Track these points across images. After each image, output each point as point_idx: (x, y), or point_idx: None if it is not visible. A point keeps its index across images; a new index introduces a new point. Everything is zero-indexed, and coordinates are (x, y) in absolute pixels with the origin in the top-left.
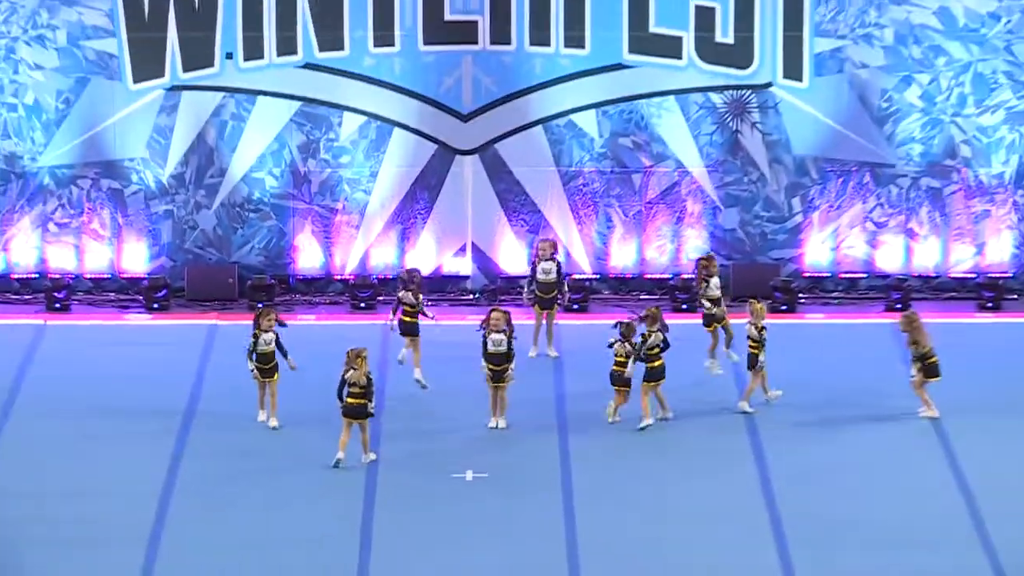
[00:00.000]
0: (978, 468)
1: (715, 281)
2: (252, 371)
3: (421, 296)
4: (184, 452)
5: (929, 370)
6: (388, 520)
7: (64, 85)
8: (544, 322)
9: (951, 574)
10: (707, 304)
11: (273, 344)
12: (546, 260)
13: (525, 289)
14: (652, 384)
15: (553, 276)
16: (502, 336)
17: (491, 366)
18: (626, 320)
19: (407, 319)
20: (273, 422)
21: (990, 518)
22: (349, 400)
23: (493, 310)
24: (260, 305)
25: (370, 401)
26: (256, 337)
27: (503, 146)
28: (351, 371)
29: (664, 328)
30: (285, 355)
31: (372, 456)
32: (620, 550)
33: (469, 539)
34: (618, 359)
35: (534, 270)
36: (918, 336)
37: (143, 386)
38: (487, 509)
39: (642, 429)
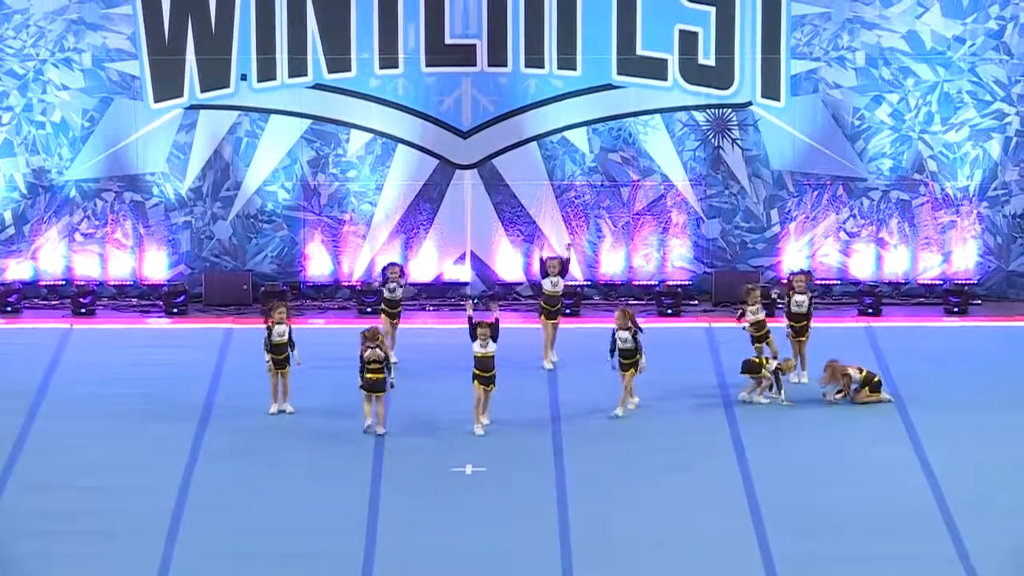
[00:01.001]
0: (945, 461)
1: (800, 299)
2: (267, 362)
3: (390, 353)
4: (202, 447)
5: (875, 387)
6: (393, 508)
7: (89, 104)
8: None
9: (921, 559)
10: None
11: (286, 336)
12: (554, 275)
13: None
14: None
15: (560, 288)
16: (488, 341)
17: (479, 371)
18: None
19: (371, 376)
20: (288, 407)
21: (956, 507)
22: (368, 376)
23: (478, 324)
24: (271, 300)
25: (389, 373)
26: (270, 330)
27: (500, 161)
28: (368, 350)
29: (636, 328)
30: (292, 347)
31: (383, 430)
32: (609, 537)
33: (468, 527)
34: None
35: (544, 275)
36: (842, 379)
37: (163, 386)
38: (484, 499)
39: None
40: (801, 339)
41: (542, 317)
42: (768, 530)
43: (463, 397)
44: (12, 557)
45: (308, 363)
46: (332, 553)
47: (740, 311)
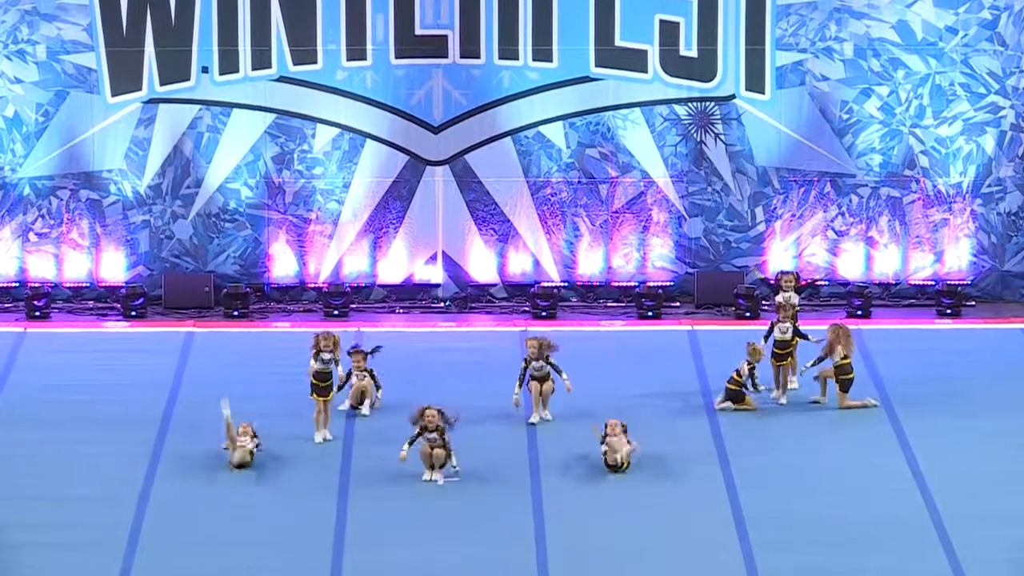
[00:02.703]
0: (937, 469)
1: (784, 327)
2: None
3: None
4: (161, 457)
5: (843, 385)
6: (362, 523)
7: (44, 98)
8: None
9: (912, 572)
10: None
11: (332, 364)
12: (535, 360)
13: (517, 388)
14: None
15: (546, 370)
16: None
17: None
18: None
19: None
20: (327, 435)
21: (949, 517)
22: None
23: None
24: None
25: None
26: (316, 356)
27: (473, 157)
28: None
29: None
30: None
31: (366, 412)
32: (587, 549)
33: (440, 538)
34: None
35: (526, 369)
36: (843, 347)
37: (121, 392)
38: (458, 509)
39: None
40: (783, 364)
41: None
42: (753, 542)
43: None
44: None
45: (271, 368)
46: (298, 567)
47: (769, 330)
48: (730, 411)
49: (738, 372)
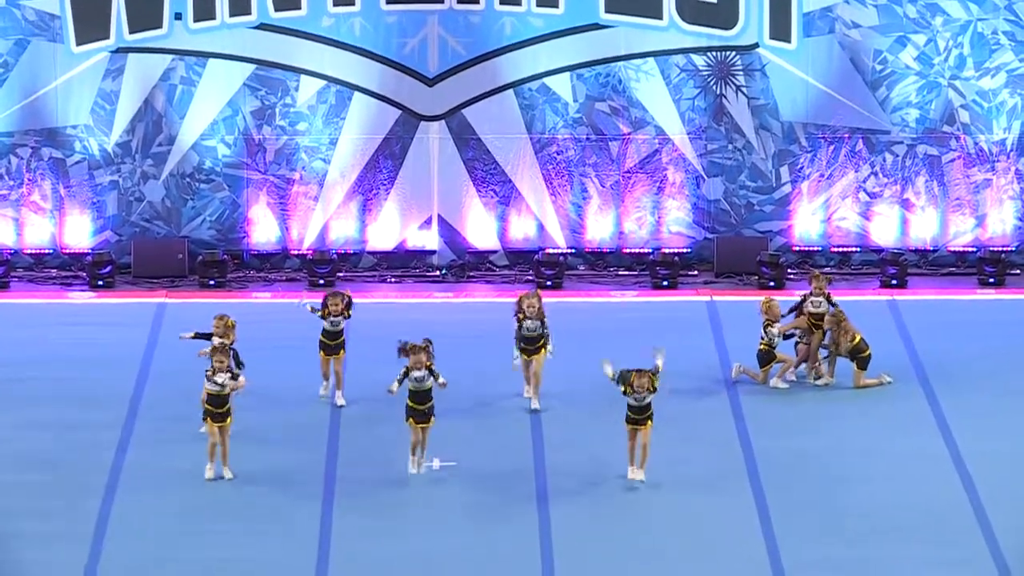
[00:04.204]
0: (978, 451)
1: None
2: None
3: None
4: (131, 440)
5: (861, 363)
6: (347, 506)
7: (2, 48)
8: (532, 371)
9: (950, 563)
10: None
11: (342, 324)
12: (531, 319)
13: (516, 352)
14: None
15: (539, 331)
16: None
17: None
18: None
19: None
20: (340, 400)
21: (990, 502)
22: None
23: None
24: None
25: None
26: (324, 317)
27: (471, 112)
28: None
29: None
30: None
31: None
32: (596, 536)
33: (440, 526)
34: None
35: (520, 326)
36: (843, 335)
37: (87, 368)
38: (457, 496)
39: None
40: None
41: (523, 356)
42: (777, 532)
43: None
44: None
45: (252, 342)
46: (280, 557)
47: (800, 302)
48: (750, 376)
49: (765, 336)
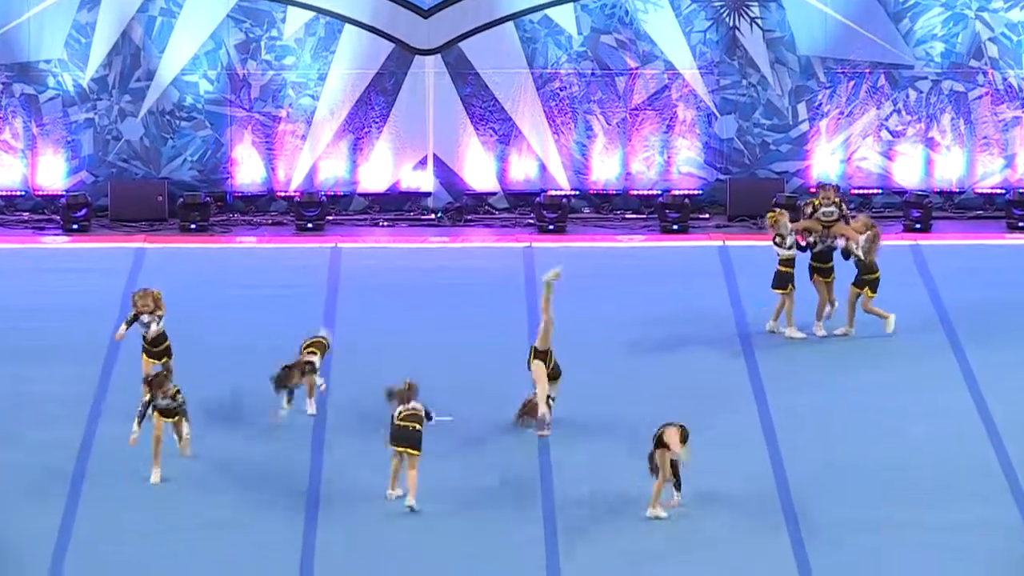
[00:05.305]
0: (1008, 408)
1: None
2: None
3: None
4: (107, 393)
5: (872, 285)
6: (337, 470)
7: None
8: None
9: (977, 526)
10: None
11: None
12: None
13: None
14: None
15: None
16: None
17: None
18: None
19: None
20: (310, 408)
21: (1018, 460)
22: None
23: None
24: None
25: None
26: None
27: (469, 45)
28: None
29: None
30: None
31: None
32: (605, 494)
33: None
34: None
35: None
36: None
37: (61, 318)
38: (459, 446)
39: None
40: (827, 281)
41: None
42: (794, 493)
43: (418, 331)
44: None
45: (237, 290)
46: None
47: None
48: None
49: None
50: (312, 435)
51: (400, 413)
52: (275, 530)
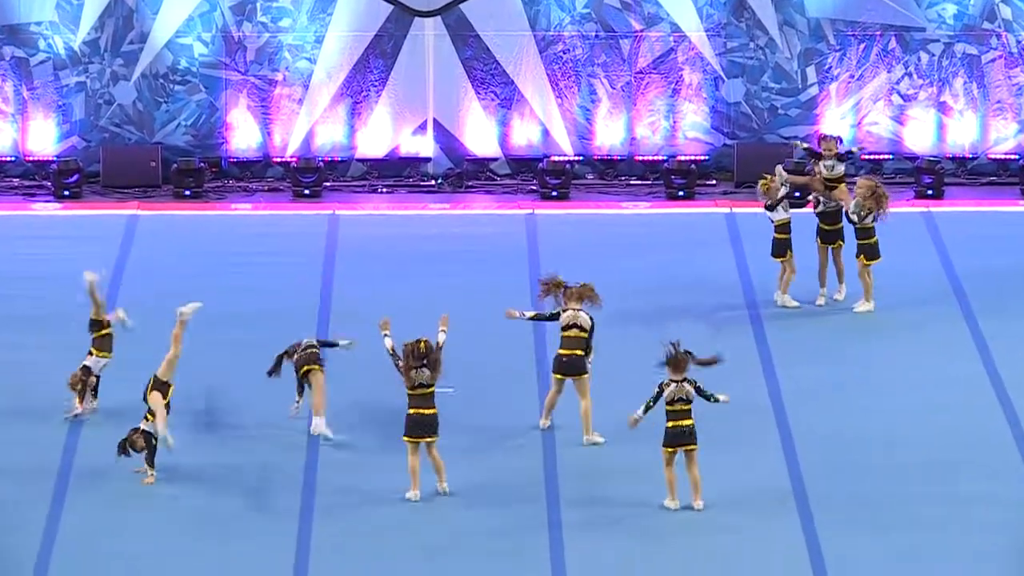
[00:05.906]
0: (1022, 379)
1: (830, 164)
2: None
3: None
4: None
5: (869, 251)
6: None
7: None
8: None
9: (992, 501)
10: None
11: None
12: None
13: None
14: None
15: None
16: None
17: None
18: None
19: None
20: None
21: None
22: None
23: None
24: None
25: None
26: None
27: (469, 7)
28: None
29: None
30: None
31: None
32: (605, 468)
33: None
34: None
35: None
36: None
37: (51, 287)
38: (462, 419)
39: None
40: (834, 246)
41: (556, 375)
42: (803, 469)
43: (418, 300)
44: None
45: (233, 258)
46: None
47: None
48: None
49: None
50: (306, 413)
51: (410, 397)
52: (272, 529)
